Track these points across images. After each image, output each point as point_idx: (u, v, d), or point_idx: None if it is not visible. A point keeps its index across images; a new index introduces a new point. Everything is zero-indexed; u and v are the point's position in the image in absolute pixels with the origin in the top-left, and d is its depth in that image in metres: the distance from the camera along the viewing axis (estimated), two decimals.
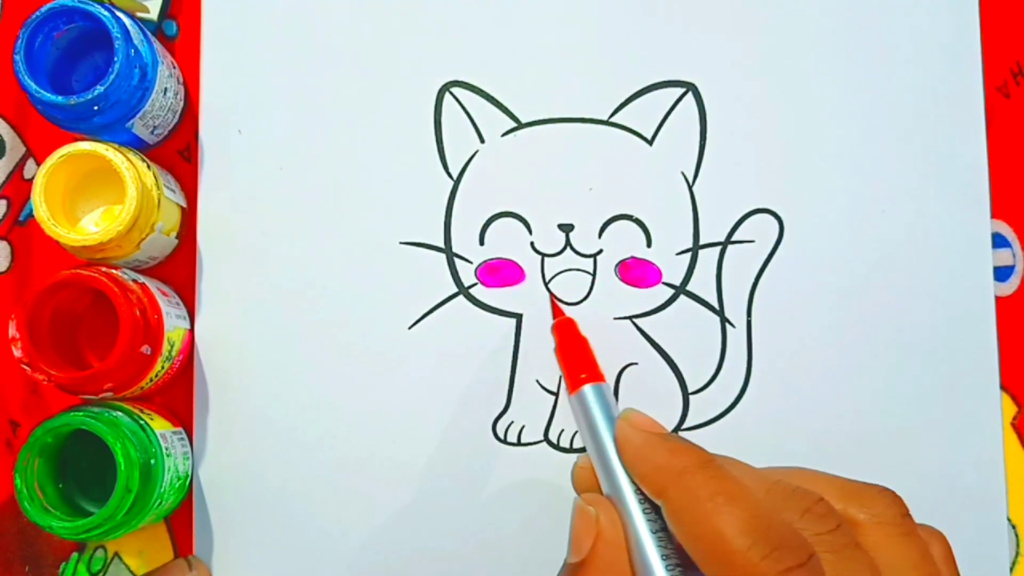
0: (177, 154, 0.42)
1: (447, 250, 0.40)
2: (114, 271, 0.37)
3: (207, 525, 0.40)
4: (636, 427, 0.31)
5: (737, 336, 0.40)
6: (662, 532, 0.29)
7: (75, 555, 0.41)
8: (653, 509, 0.29)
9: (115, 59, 0.35)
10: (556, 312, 0.39)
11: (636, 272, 0.40)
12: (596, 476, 0.32)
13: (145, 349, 0.36)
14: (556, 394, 0.40)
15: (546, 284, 0.40)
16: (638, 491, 0.30)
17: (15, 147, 0.42)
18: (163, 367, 0.38)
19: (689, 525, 0.27)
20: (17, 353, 0.35)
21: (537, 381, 0.40)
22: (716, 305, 0.40)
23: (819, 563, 0.25)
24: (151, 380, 0.38)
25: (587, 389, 0.33)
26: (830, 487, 0.28)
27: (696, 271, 0.40)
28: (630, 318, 0.40)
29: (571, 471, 0.33)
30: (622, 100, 0.41)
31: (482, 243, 0.40)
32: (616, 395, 0.40)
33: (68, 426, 0.35)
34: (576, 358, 0.35)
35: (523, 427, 0.40)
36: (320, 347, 0.40)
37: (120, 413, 0.37)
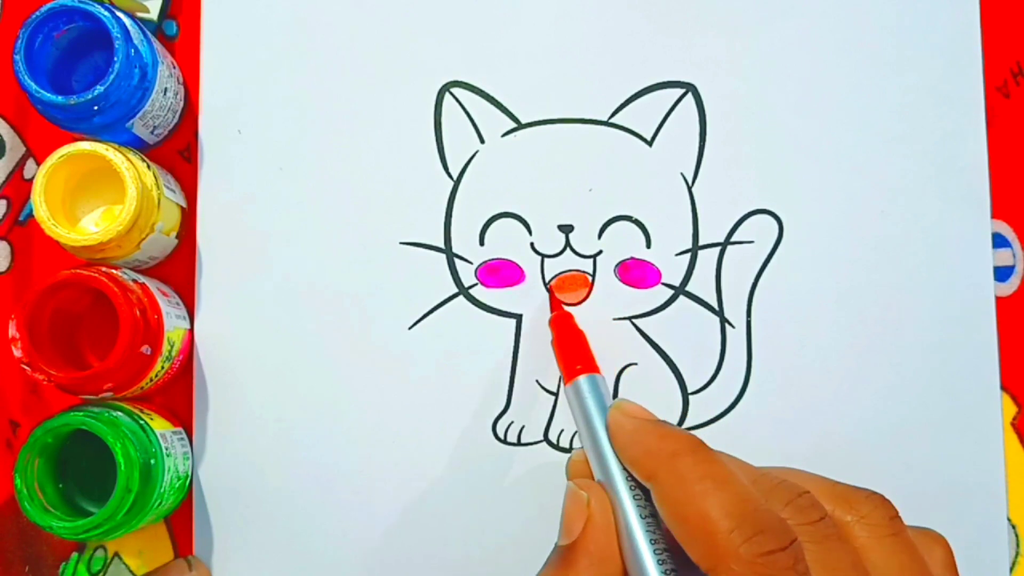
0: (177, 154, 0.42)
1: (447, 250, 0.40)
2: (114, 271, 0.37)
3: (207, 525, 0.40)
4: (628, 415, 0.32)
5: (737, 336, 0.40)
6: (651, 517, 0.30)
7: (75, 555, 0.41)
8: (643, 495, 0.30)
9: (115, 59, 0.35)
10: (555, 306, 0.39)
11: (636, 273, 0.40)
12: (590, 468, 0.33)
13: (145, 349, 0.36)
14: (556, 394, 0.40)
15: (546, 285, 0.40)
16: (629, 477, 0.31)
17: (15, 147, 0.42)
18: (163, 367, 0.38)
19: (676, 506, 0.27)
20: (17, 353, 0.35)
21: (537, 381, 0.40)
22: (716, 305, 0.40)
23: (800, 549, 0.26)
24: (151, 380, 0.38)
25: (582, 380, 0.34)
26: (819, 488, 0.28)
27: (696, 272, 0.40)
28: (630, 319, 0.40)
29: (566, 464, 0.34)
30: (622, 101, 0.41)
31: (482, 243, 0.40)
32: (615, 395, 0.40)
33: (68, 426, 0.35)
34: (572, 350, 0.36)
35: (523, 427, 0.40)
36: (320, 347, 0.40)
37: (120, 413, 0.37)
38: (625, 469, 0.31)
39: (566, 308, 0.40)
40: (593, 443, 0.33)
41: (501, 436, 0.40)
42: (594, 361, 0.36)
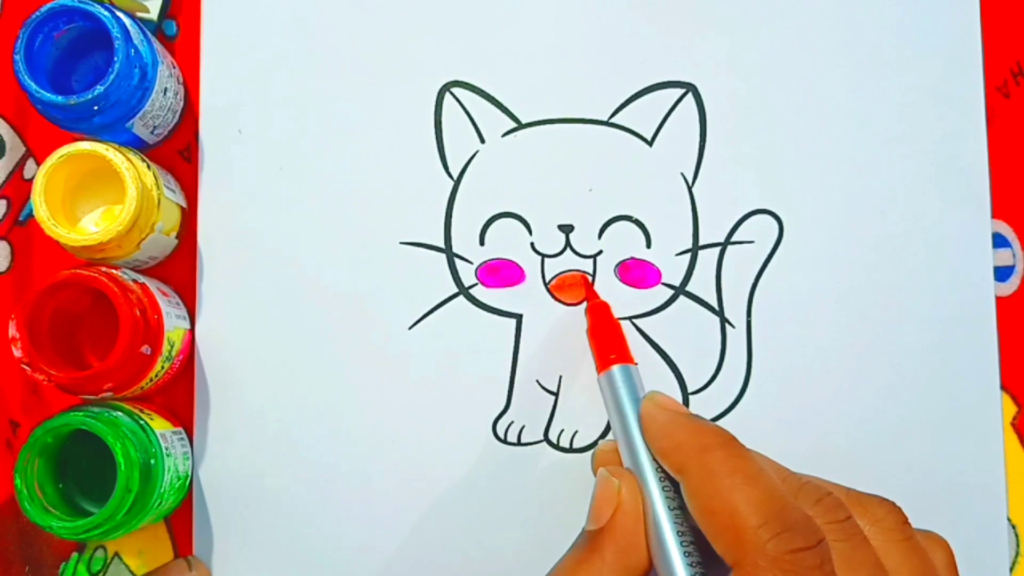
0: (177, 154, 0.42)
1: (447, 250, 0.40)
2: (114, 271, 0.37)
3: (207, 525, 0.40)
4: (661, 406, 0.32)
5: (737, 336, 0.40)
6: (679, 510, 0.30)
7: (75, 555, 0.41)
8: (672, 487, 0.31)
9: (115, 59, 0.35)
10: (590, 295, 0.39)
11: (636, 273, 0.40)
12: (617, 460, 0.33)
13: (145, 349, 0.36)
14: (556, 394, 0.40)
15: (546, 285, 0.40)
16: (659, 469, 0.31)
17: (15, 147, 0.42)
18: (163, 367, 0.38)
19: (705, 500, 0.28)
20: (17, 353, 0.35)
21: (537, 381, 0.40)
22: (716, 306, 0.40)
23: (828, 549, 0.26)
24: (151, 380, 0.38)
25: (616, 369, 0.35)
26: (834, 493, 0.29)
27: (696, 272, 0.40)
28: (630, 319, 0.40)
29: (592, 453, 0.35)
30: (622, 101, 0.41)
31: (482, 243, 0.40)
32: None
33: (68, 426, 0.35)
34: (608, 339, 0.36)
35: (523, 427, 0.40)
36: (320, 347, 0.40)
37: (120, 413, 0.37)
38: (655, 461, 0.31)
39: (567, 310, 0.40)
40: (624, 433, 0.33)
41: (501, 436, 0.40)
42: (629, 352, 0.36)
